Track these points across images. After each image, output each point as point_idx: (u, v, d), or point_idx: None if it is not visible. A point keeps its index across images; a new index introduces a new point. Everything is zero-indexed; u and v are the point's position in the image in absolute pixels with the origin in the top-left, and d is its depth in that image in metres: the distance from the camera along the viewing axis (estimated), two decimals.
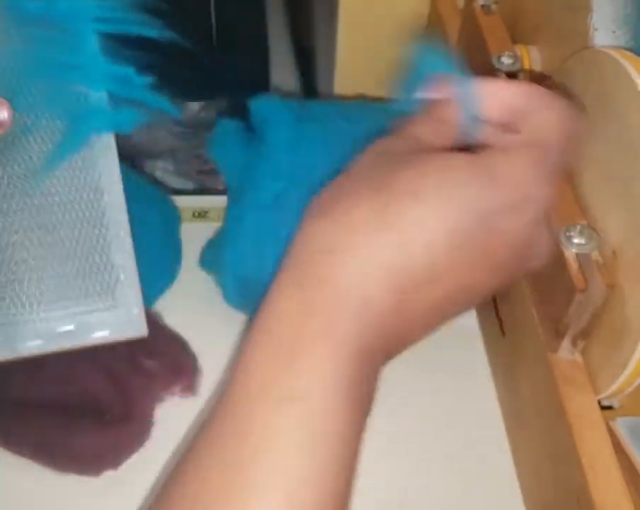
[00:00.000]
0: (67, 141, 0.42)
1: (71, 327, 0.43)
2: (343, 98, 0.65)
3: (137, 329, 0.45)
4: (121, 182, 0.43)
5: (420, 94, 0.33)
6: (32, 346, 0.42)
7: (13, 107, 0.40)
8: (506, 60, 0.47)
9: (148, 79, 0.42)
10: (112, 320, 0.44)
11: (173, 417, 0.47)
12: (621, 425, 0.40)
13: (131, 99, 0.42)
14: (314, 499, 0.26)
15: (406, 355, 0.51)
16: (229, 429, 0.27)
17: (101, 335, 0.44)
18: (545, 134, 0.31)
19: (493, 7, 0.52)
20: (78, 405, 0.45)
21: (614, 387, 0.39)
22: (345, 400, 0.28)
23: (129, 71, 0.41)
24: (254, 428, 0.27)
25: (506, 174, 0.29)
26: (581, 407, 0.39)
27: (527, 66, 0.50)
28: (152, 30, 0.41)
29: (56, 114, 0.41)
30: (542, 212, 0.31)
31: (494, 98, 0.32)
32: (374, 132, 0.49)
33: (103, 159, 0.43)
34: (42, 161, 0.41)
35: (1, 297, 0.42)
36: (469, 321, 0.54)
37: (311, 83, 0.71)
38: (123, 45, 0.41)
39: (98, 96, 0.42)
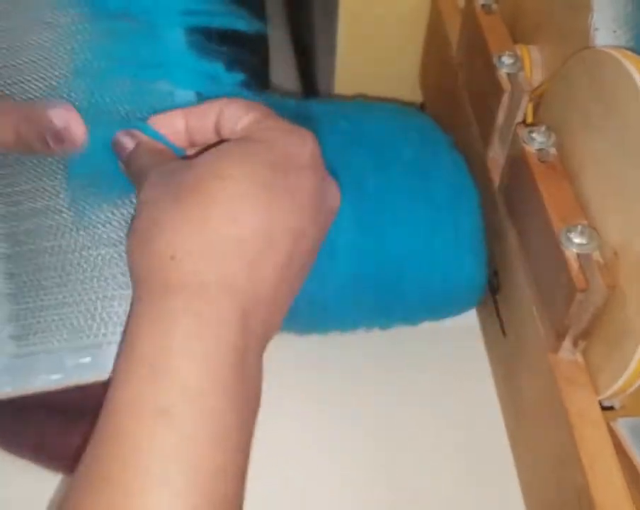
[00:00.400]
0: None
1: (88, 360, 0.39)
2: (343, 98, 0.65)
3: None
4: None
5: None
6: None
7: (94, 111, 0.36)
8: (507, 60, 0.47)
9: (238, 76, 0.38)
10: None
11: None
12: (622, 425, 0.40)
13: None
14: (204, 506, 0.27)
15: (406, 355, 0.52)
16: (110, 453, 0.28)
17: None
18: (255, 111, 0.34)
19: (494, 6, 0.52)
20: (78, 406, 0.45)
21: (615, 388, 0.39)
22: (225, 399, 0.29)
23: (218, 67, 0.38)
24: (134, 446, 0.28)
25: (275, 137, 0.33)
26: (582, 407, 0.39)
27: (527, 65, 0.50)
28: (242, 22, 0.38)
29: (142, 116, 0.37)
30: (312, 159, 0.34)
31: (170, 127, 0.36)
32: (374, 132, 0.50)
33: None
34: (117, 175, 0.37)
35: (91, 315, 0.39)
36: (470, 321, 0.54)
37: (311, 83, 0.71)
38: (210, 40, 0.38)
39: (186, 95, 0.38)
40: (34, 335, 0.38)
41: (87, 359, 0.39)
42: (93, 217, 0.38)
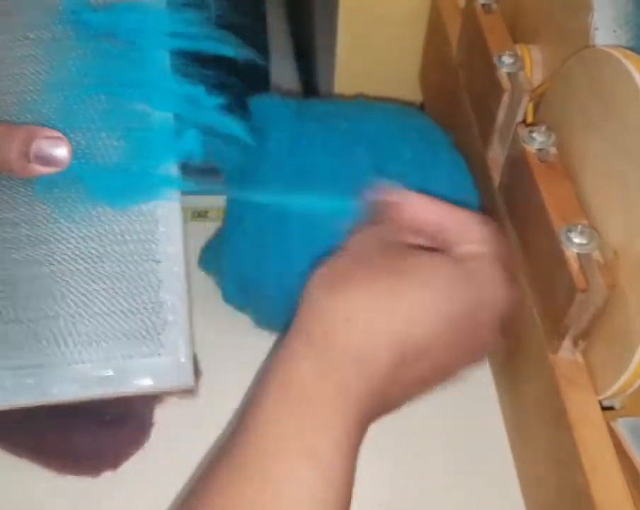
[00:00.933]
0: (127, 171, 0.37)
1: (110, 373, 0.38)
2: (343, 98, 0.65)
3: (183, 379, 0.39)
4: (180, 213, 0.38)
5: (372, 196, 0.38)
6: (67, 391, 0.38)
7: (68, 127, 0.36)
8: (507, 59, 0.47)
9: (218, 100, 0.38)
10: (156, 368, 0.38)
11: (173, 418, 0.47)
12: (622, 425, 0.40)
13: (199, 122, 0.37)
14: None
15: None
16: (249, 474, 0.30)
17: (143, 383, 0.38)
18: (486, 247, 0.37)
19: (494, 6, 0.52)
20: (77, 406, 0.45)
21: (615, 388, 0.39)
22: (349, 458, 0.31)
23: (199, 90, 0.37)
24: (277, 475, 0.30)
25: (481, 277, 0.36)
26: (582, 408, 0.39)
27: (527, 65, 0.50)
28: (228, 47, 0.38)
29: (115, 136, 0.37)
30: (500, 308, 0.37)
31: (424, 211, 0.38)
32: (374, 132, 0.50)
33: (164, 194, 0.38)
34: (97, 189, 0.37)
35: (32, 334, 0.37)
36: None
37: (311, 83, 0.71)
38: (192, 63, 0.37)
39: (163, 117, 0.37)
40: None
41: (30, 380, 0.38)
42: (48, 232, 0.37)
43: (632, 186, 0.37)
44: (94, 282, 0.38)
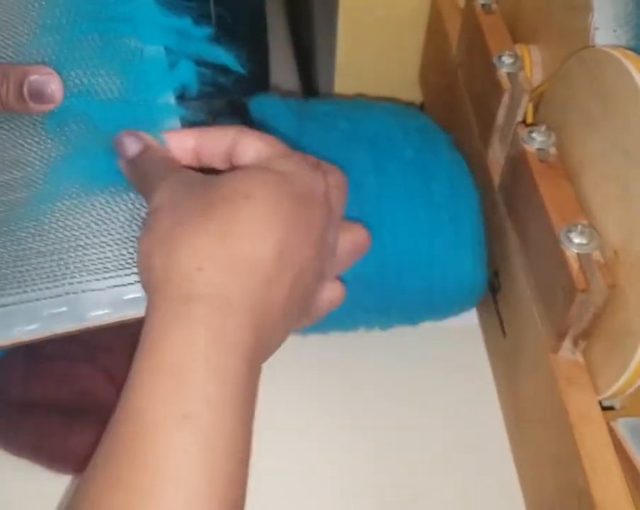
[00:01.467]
0: (130, 105, 0.38)
1: (138, 295, 0.39)
2: (343, 97, 0.65)
3: None
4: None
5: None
6: (102, 315, 0.39)
7: (67, 67, 0.37)
8: (507, 60, 0.47)
9: (207, 31, 0.38)
10: None
11: None
12: (622, 425, 0.40)
13: (190, 54, 0.38)
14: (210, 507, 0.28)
15: (406, 355, 0.52)
16: (128, 455, 0.29)
17: None
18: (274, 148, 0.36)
19: (494, 6, 0.52)
20: (78, 406, 0.45)
21: (615, 388, 0.39)
22: (231, 409, 0.29)
23: (187, 22, 0.38)
24: (153, 450, 0.28)
25: (295, 172, 0.35)
26: (582, 407, 0.39)
27: (527, 65, 0.50)
28: None
29: (113, 72, 0.38)
30: (325, 198, 0.35)
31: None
32: (374, 131, 0.50)
33: (165, 124, 0.39)
34: (103, 124, 0.38)
35: (63, 264, 0.39)
36: (470, 320, 0.54)
37: (311, 83, 0.71)
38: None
39: (154, 50, 0.38)
40: (8, 285, 0.38)
41: (63, 308, 0.39)
42: (66, 169, 0.38)
43: (632, 186, 0.37)
44: (113, 211, 0.39)
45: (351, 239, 0.38)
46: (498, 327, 0.49)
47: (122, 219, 0.39)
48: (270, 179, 0.33)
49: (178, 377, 0.29)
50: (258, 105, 0.50)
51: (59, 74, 0.36)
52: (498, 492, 0.46)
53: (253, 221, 0.32)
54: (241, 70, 0.39)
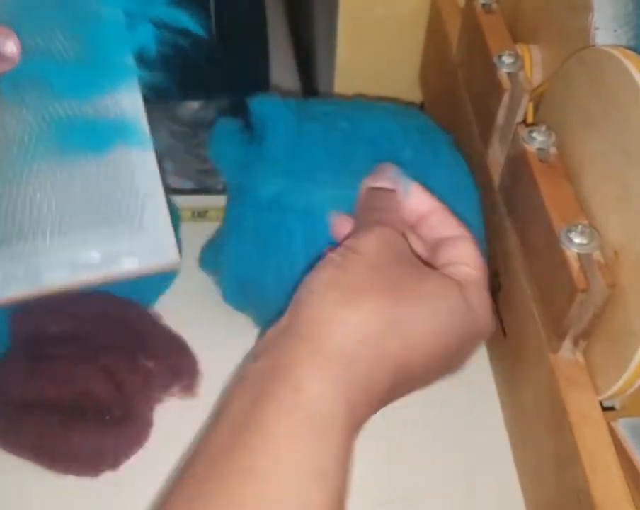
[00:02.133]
0: (87, 66, 0.38)
1: (96, 255, 0.40)
2: (343, 98, 0.65)
3: (169, 257, 0.41)
4: (142, 101, 0.39)
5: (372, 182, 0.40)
6: (57, 277, 0.39)
7: (22, 28, 0.36)
8: (507, 59, 0.47)
9: None
10: (141, 248, 0.40)
11: (173, 418, 0.47)
12: (622, 425, 0.40)
13: (150, 17, 0.38)
14: None
15: None
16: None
17: (130, 264, 0.40)
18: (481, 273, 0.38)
19: (494, 6, 0.52)
20: (77, 406, 0.45)
21: (615, 388, 0.39)
22: (348, 469, 0.31)
23: None
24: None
25: (477, 307, 0.36)
26: (582, 407, 0.39)
27: (528, 65, 0.50)
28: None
29: (69, 34, 0.38)
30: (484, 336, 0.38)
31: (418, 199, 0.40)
32: (374, 131, 0.49)
33: (124, 84, 0.39)
34: (60, 85, 0.38)
35: (18, 226, 0.38)
36: None
37: (311, 83, 0.71)
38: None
39: (113, 13, 0.38)
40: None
41: (19, 270, 0.39)
42: (20, 132, 0.38)
43: (632, 186, 0.37)
44: (69, 173, 0.39)
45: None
46: (498, 327, 0.49)
47: (79, 181, 0.39)
48: (461, 310, 0.35)
49: (322, 432, 0.30)
50: (258, 105, 0.50)
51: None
52: (498, 492, 0.46)
53: (423, 336, 0.33)
54: (200, 32, 0.39)
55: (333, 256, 0.34)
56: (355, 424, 0.32)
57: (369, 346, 0.32)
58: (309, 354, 0.31)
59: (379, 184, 0.39)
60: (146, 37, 0.39)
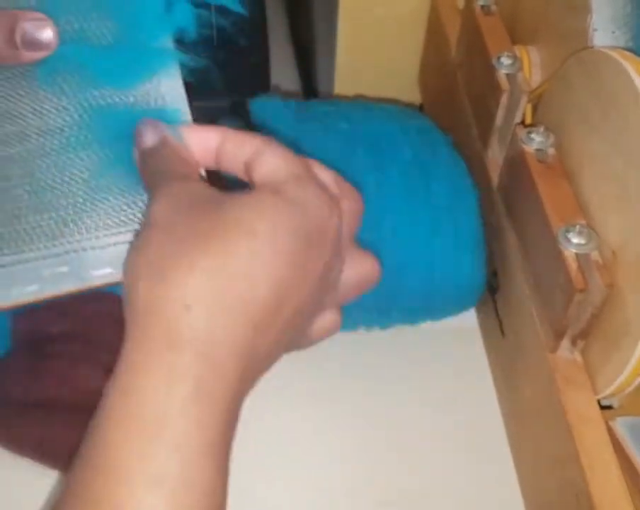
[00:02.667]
0: (126, 51, 0.36)
1: (64, 269, 0.37)
2: (343, 98, 0.65)
3: None
4: (183, 87, 0.37)
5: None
6: (103, 274, 0.37)
7: (57, 13, 0.35)
8: (506, 60, 0.47)
9: None
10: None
11: None
12: (621, 424, 0.40)
13: None
14: None
15: (406, 355, 0.52)
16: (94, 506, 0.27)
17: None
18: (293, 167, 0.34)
19: (493, 7, 0.52)
20: (78, 405, 0.45)
21: (613, 387, 0.39)
22: (212, 462, 0.28)
23: None
24: None
25: (309, 203, 0.32)
26: (581, 407, 0.39)
27: (526, 66, 0.50)
28: None
29: (105, 16, 0.36)
30: (334, 234, 0.33)
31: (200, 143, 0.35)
32: (374, 132, 0.50)
33: (164, 69, 0.37)
34: (97, 71, 0.36)
35: (62, 223, 0.36)
36: (469, 321, 0.54)
37: (311, 83, 0.71)
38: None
39: None
40: (6, 246, 0.36)
41: (64, 268, 0.37)
42: (59, 120, 0.37)
43: (631, 186, 0.37)
44: (111, 165, 0.37)
45: (359, 272, 0.36)
46: (496, 327, 0.49)
47: (121, 172, 0.37)
48: (280, 210, 0.31)
49: (154, 432, 0.27)
50: (258, 105, 0.50)
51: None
52: (497, 492, 0.46)
53: (252, 260, 0.29)
54: (240, 10, 0.38)
55: (136, 235, 0.32)
56: (209, 408, 0.28)
57: (198, 308, 0.28)
58: (140, 349, 0.29)
59: (148, 145, 0.35)
60: (185, 17, 0.37)
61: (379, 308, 0.48)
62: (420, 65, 0.65)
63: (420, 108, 0.66)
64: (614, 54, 0.38)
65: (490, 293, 0.51)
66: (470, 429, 0.49)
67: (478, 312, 0.54)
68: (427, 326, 0.51)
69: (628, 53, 0.39)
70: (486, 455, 0.48)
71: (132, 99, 0.37)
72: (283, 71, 0.71)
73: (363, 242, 0.46)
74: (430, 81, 0.64)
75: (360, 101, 0.63)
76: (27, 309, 0.46)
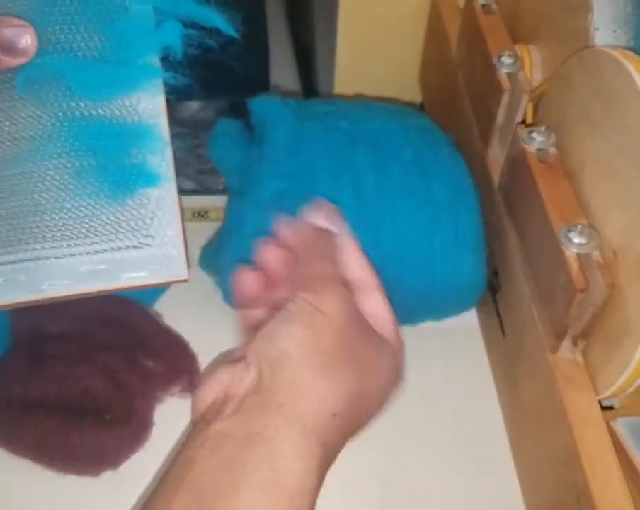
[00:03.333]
0: (109, 65, 0.36)
1: (101, 267, 0.38)
2: (343, 98, 0.65)
3: (176, 271, 0.39)
4: (164, 105, 0.37)
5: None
6: (59, 285, 0.37)
7: (44, 22, 0.35)
8: (506, 60, 0.47)
9: None
10: (147, 260, 0.38)
11: (173, 417, 0.47)
12: (621, 425, 0.40)
13: (179, 14, 0.36)
14: None
15: (406, 355, 0.51)
16: None
17: (134, 276, 0.38)
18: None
19: (494, 7, 0.52)
20: (78, 405, 0.45)
21: (614, 387, 0.39)
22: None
23: None
24: None
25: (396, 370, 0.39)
26: (582, 407, 0.39)
27: (527, 65, 0.50)
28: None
29: (94, 29, 0.36)
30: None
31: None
32: (374, 132, 0.50)
33: (146, 86, 0.37)
34: (78, 83, 0.36)
35: (19, 230, 0.36)
36: (469, 320, 0.54)
37: (311, 83, 0.71)
38: None
39: (142, 11, 0.36)
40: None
41: (21, 276, 0.37)
42: (32, 129, 0.37)
43: (632, 186, 0.37)
44: (78, 176, 0.37)
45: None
46: (497, 327, 0.49)
47: (86, 186, 0.37)
48: (393, 365, 0.38)
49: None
50: (258, 105, 0.50)
51: (34, 28, 0.34)
52: (498, 492, 0.46)
53: (377, 399, 0.36)
54: (232, 33, 0.38)
55: (296, 310, 0.34)
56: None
57: (340, 419, 0.32)
58: (288, 428, 0.30)
59: (318, 222, 0.38)
60: (174, 36, 0.37)
61: None
62: (420, 64, 0.65)
63: (421, 107, 0.66)
64: (615, 53, 0.38)
65: (491, 293, 0.51)
66: (470, 429, 0.49)
67: (479, 311, 0.54)
68: (427, 326, 0.51)
69: (629, 52, 0.39)
70: (487, 455, 0.48)
71: (108, 112, 0.37)
72: (283, 71, 0.71)
73: (363, 242, 0.46)
74: (431, 80, 0.64)
75: (360, 101, 0.63)
76: (27, 309, 0.46)
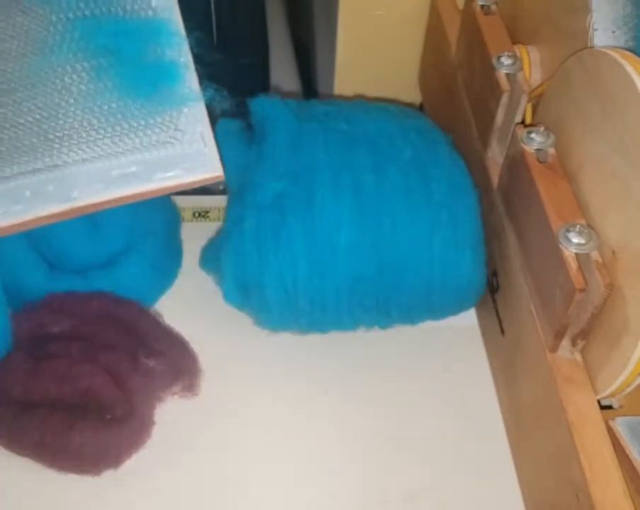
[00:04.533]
0: None
1: (132, 169, 0.35)
2: (343, 98, 0.65)
3: (210, 167, 0.37)
4: (177, 5, 0.36)
5: None
6: (90, 192, 0.35)
7: None
8: (506, 60, 0.47)
9: None
10: (180, 158, 0.36)
11: (174, 417, 0.47)
12: (620, 424, 0.40)
13: None
14: None
15: (406, 355, 0.52)
16: None
17: (168, 176, 0.36)
18: None
19: (493, 7, 0.52)
20: (79, 404, 0.45)
21: (613, 387, 0.39)
22: None
23: None
24: None
25: None
26: (581, 407, 0.39)
27: (526, 66, 0.50)
28: None
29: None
30: None
31: None
32: (373, 132, 0.50)
33: None
34: None
35: (44, 136, 0.34)
36: (469, 320, 0.54)
37: (311, 83, 0.71)
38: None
39: None
40: None
41: (49, 187, 0.34)
42: (43, 32, 0.36)
43: (630, 186, 0.37)
44: (98, 76, 0.36)
45: None
46: (496, 327, 0.49)
47: (107, 84, 0.35)
48: None
49: None
50: (258, 105, 0.50)
51: None
52: (497, 491, 0.46)
53: None
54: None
55: None
56: None
57: None
58: None
59: None
60: None
61: (378, 308, 0.48)
62: (420, 65, 0.65)
63: (420, 107, 0.66)
64: (614, 54, 0.39)
65: (490, 293, 0.51)
66: (470, 428, 0.49)
67: (478, 311, 0.54)
68: (427, 325, 0.51)
69: (628, 53, 0.39)
70: (486, 454, 0.48)
71: (120, 9, 0.36)
72: (283, 72, 0.72)
73: (363, 242, 0.46)
74: (430, 81, 0.64)
75: (360, 101, 0.63)
76: (29, 309, 0.46)
